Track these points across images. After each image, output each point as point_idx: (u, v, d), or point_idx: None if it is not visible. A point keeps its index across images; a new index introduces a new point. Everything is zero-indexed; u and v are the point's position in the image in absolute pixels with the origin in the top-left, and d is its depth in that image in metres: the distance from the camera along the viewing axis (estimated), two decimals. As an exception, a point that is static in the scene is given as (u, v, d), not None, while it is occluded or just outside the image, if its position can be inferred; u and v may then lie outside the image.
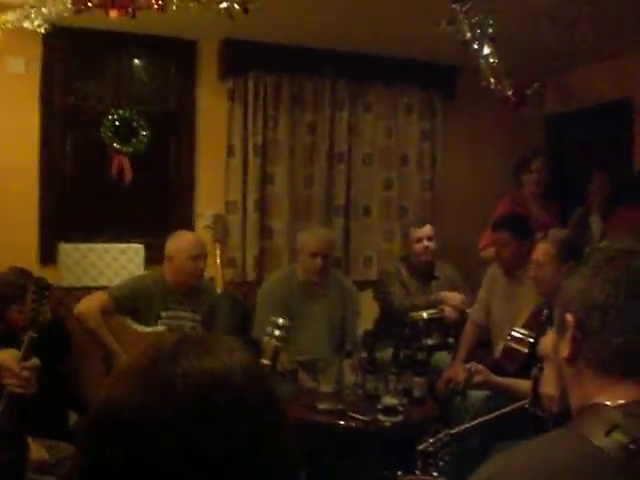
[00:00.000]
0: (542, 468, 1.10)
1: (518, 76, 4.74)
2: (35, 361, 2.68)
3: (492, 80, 4.39)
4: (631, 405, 1.12)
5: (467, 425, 3.11)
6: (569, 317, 1.21)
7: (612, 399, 1.14)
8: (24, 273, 3.49)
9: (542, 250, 3.66)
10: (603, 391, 1.17)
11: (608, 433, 1.07)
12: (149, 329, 4.00)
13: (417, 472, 2.18)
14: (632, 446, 1.04)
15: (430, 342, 4.69)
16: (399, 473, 2.13)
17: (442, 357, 4.64)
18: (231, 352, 0.89)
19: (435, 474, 2.17)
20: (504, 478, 1.11)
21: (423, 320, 4.71)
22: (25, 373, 2.63)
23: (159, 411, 0.78)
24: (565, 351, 1.22)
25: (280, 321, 2.86)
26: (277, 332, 2.84)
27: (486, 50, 4.21)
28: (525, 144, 5.70)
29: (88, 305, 3.94)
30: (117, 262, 5.03)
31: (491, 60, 4.16)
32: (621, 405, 1.12)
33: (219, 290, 5.00)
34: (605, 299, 1.17)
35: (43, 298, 2.78)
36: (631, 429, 1.07)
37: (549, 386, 3.06)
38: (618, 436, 1.06)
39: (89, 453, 0.82)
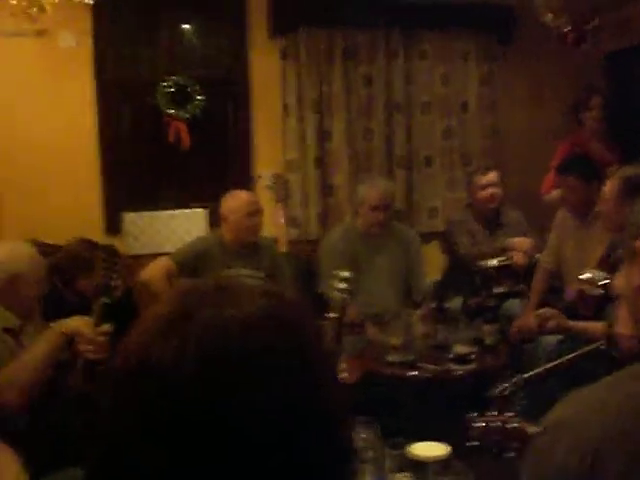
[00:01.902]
0: (617, 404, 1.06)
1: (574, 13, 4.57)
2: (108, 326, 2.71)
3: (549, 15, 4.23)
4: None
5: (541, 369, 3.06)
6: (638, 243, 1.17)
7: None
8: (90, 244, 3.53)
9: (609, 186, 3.56)
10: None
11: None
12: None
13: (489, 412, 2.13)
14: None
15: (500, 290, 4.63)
16: (472, 414, 2.09)
17: (513, 304, 4.57)
18: (255, 299, 0.79)
19: (510, 414, 2.12)
20: (579, 418, 1.08)
21: (492, 268, 4.64)
22: (99, 339, 2.66)
23: (175, 364, 0.71)
24: (636, 280, 1.18)
25: (345, 274, 2.83)
26: (342, 285, 2.81)
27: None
28: (585, 84, 5.50)
29: (153, 271, 3.99)
30: (181, 228, 5.06)
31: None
32: None
33: (283, 250, 4.99)
34: None
35: (114, 265, 2.80)
36: None
37: (624, 325, 2.98)
38: None
39: (110, 401, 0.77)
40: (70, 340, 2.62)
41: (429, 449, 1.97)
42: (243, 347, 0.73)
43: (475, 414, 2.16)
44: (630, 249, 1.20)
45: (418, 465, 1.89)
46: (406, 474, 1.89)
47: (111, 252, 2.81)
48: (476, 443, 2.11)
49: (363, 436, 2.05)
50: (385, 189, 4.49)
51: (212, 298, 0.78)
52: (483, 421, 2.16)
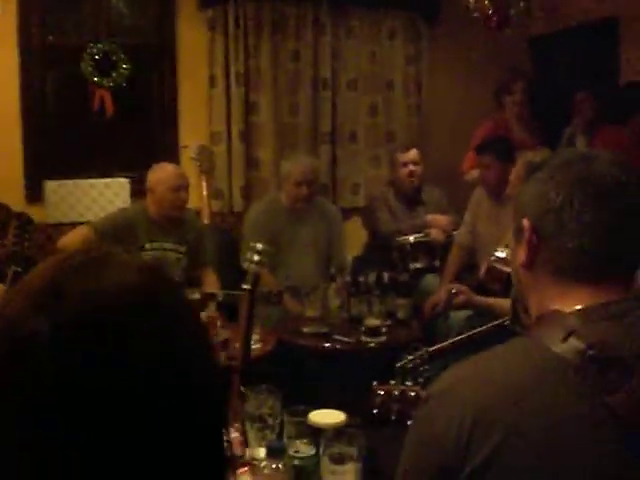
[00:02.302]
0: (500, 376, 1.12)
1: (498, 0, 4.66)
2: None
3: (471, -1, 4.31)
4: (587, 310, 1.13)
5: (446, 342, 3.17)
6: (525, 222, 1.21)
7: (569, 305, 1.15)
8: (4, 208, 3.50)
9: (515, 169, 3.69)
10: (560, 297, 1.18)
11: (565, 339, 1.08)
12: (133, 260, 4.02)
13: (392, 382, 2.23)
14: (590, 351, 1.05)
15: (417, 266, 4.74)
16: (374, 383, 2.18)
17: (431, 280, 4.68)
18: (127, 274, 0.78)
19: (409, 383, 2.22)
20: (461, 388, 1.13)
21: (409, 244, 4.74)
22: None
23: (45, 341, 0.69)
24: (522, 257, 1.23)
25: (259, 246, 2.86)
26: (256, 257, 2.84)
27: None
28: (510, 66, 5.63)
29: (71, 238, 3.97)
30: (103, 197, 5.04)
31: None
32: (577, 310, 1.13)
33: (206, 222, 5.01)
34: (560, 202, 1.17)
35: (26, 232, 2.80)
36: (587, 334, 1.07)
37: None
38: (575, 341, 1.07)
39: None
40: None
41: (326, 416, 2.06)
42: (115, 320, 0.72)
43: (376, 383, 2.25)
44: (517, 226, 1.25)
45: (315, 432, 1.97)
46: (304, 440, 1.97)
47: (25, 220, 2.80)
48: (375, 411, 2.21)
49: (266, 403, 2.12)
50: (309, 165, 4.55)
51: (84, 272, 0.76)
52: (384, 390, 2.26)
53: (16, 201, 4.47)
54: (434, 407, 1.15)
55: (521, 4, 4.88)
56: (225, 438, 2.04)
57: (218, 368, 0.89)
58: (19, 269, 2.72)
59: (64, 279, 0.75)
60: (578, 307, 1.14)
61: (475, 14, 4.51)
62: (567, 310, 1.14)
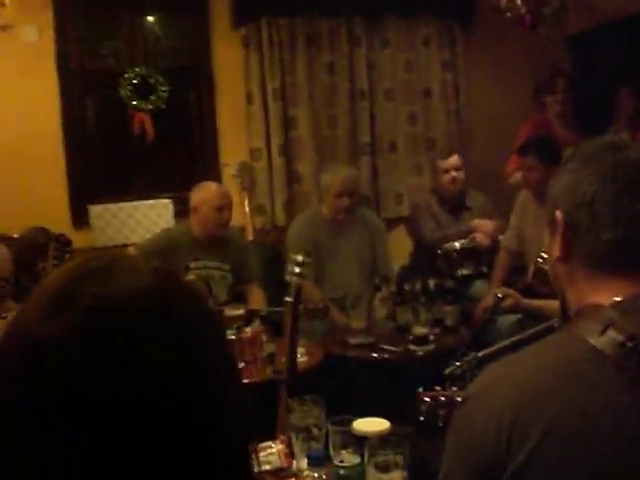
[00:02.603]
0: (537, 372, 1.10)
1: (530, -1, 4.61)
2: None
3: (503, -2, 4.26)
4: (625, 302, 1.10)
5: (495, 347, 3.11)
6: (558, 214, 1.19)
7: (606, 297, 1.12)
8: (44, 231, 3.56)
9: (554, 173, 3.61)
10: (597, 290, 1.15)
11: (603, 332, 1.06)
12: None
13: (437, 388, 2.19)
14: (628, 343, 1.03)
15: (464, 272, 4.68)
16: (420, 390, 2.14)
17: (480, 287, 4.63)
18: (142, 276, 0.77)
19: (454, 389, 2.17)
20: (498, 387, 1.11)
21: (455, 250, 4.69)
22: None
23: (51, 338, 0.70)
24: (557, 250, 1.21)
25: (299, 258, 2.85)
26: (297, 269, 2.83)
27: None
28: (548, 66, 5.55)
29: None
30: (147, 218, 5.08)
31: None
32: (615, 302, 1.11)
33: (250, 238, 5.03)
34: (592, 193, 1.14)
35: (64, 254, 2.83)
36: (626, 326, 1.05)
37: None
38: (613, 334, 1.05)
39: None
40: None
41: (370, 425, 2.02)
42: (124, 325, 0.71)
43: (421, 389, 2.22)
44: (551, 220, 1.22)
45: (359, 440, 1.94)
46: (349, 449, 1.93)
47: (64, 241, 2.83)
48: (422, 418, 2.17)
49: (311, 414, 2.10)
50: (348, 175, 4.53)
51: (95, 276, 0.75)
52: (430, 396, 2.22)
53: (62, 227, 4.52)
54: (472, 407, 1.13)
55: (555, 2, 4.82)
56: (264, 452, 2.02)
57: (237, 380, 0.85)
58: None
59: (75, 284, 0.74)
60: (616, 299, 1.11)
61: (508, 14, 4.44)
62: (605, 302, 1.12)
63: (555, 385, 1.06)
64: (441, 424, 2.17)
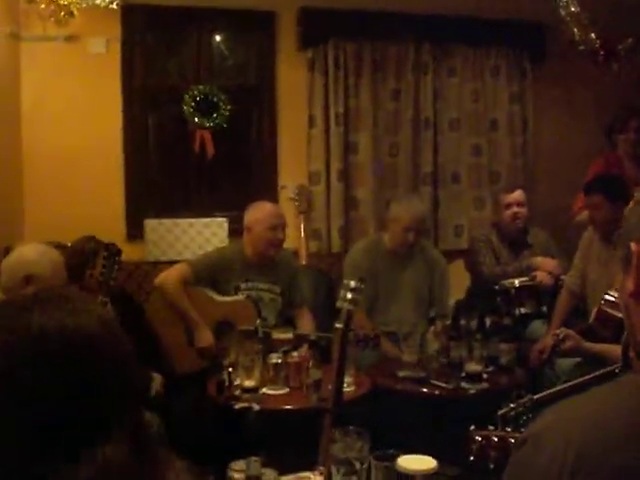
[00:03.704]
0: (606, 414, 1.01)
1: (603, 29, 4.46)
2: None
3: (576, 31, 4.12)
4: None
5: (553, 390, 2.96)
6: (633, 246, 1.10)
7: None
8: (94, 239, 3.54)
9: (629, 207, 3.47)
10: None
11: None
12: (229, 298, 4.00)
13: (490, 427, 2.05)
14: None
15: (522, 310, 4.55)
16: (471, 428, 2.01)
17: (538, 327, 4.48)
18: (90, 310, 0.99)
19: (509, 429, 2.04)
20: (564, 426, 1.03)
21: (515, 288, 4.56)
22: None
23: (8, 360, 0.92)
24: (630, 286, 1.11)
25: (352, 284, 2.74)
26: (349, 295, 2.72)
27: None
28: (619, 104, 5.38)
29: (168, 275, 3.98)
30: (201, 236, 5.04)
31: (572, 9, 3.89)
32: None
33: (303, 262, 4.95)
34: None
35: (114, 264, 2.78)
36: None
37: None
38: None
39: None
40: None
41: (416, 462, 1.89)
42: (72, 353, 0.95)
43: (473, 428, 2.09)
44: (625, 253, 1.13)
45: (404, 478, 1.81)
46: (392, 487, 1.81)
47: (112, 249, 2.79)
48: (472, 458, 2.04)
49: (354, 446, 1.98)
50: (420, 211, 4.45)
51: (49, 304, 0.98)
52: (482, 435, 2.08)
53: (117, 239, 4.49)
54: (535, 447, 1.03)
55: (629, 40, 4.68)
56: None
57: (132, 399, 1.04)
58: (107, 299, 2.69)
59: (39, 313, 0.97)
60: None
61: (581, 47, 4.30)
62: None
63: (626, 429, 0.97)
64: (492, 466, 2.03)
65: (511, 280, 4.58)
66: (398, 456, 1.92)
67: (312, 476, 2.00)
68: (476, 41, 5.58)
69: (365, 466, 1.95)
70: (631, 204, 3.87)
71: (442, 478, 1.77)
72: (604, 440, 0.97)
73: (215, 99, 5.12)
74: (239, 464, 2.01)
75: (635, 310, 1.13)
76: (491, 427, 2.06)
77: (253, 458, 1.84)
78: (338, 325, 2.68)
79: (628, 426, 0.97)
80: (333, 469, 1.98)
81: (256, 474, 1.83)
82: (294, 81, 5.32)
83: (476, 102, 5.65)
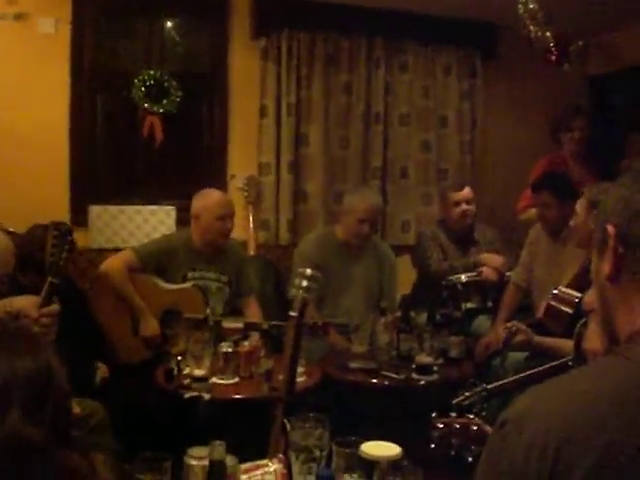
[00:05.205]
0: (586, 395, 0.99)
1: (558, 30, 4.53)
2: (54, 307, 2.60)
3: (532, 29, 4.17)
4: None
5: (506, 381, 2.99)
6: (610, 228, 1.09)
7: None
8: (44, 227, 3.43)
9: (579, 203, 3.54)
10: None
11: None
12: (176, 286, 3.93)
13: (452, 414, 2.05)
14: None
15: (468, 305, 4.59)
16: (433, 414, 2.00)
17: (483, 322, 4.52)
18: (37, 354, 1.15)
19: (471, 416, 2.03)
20: (543, 412, 1.00)
21: (461, 283, 4.59)
22: (44, 320, 2.55)
23: None
24: (606, 269, 1.10)
25: (308, 272, 2.71)
26: (305, 283, 2.69)
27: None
28: (567, 104, 5.47)
29: (113, 262, 3.91)
30: (148, 224, 4.95)
31: (530, 5, 3.93)
32: None
33: (251, 253, 4.90)
34: None
35: (64, 243, 2.68)
36: None
37: (594, 341, 2.91)
38: None
39: None
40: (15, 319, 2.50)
41: (380, 449, 1.87)
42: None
43: (436, 414, 2.08)
44: (601, 236, 1.13)
45: (368, 465, 1.79)
46: (354, 474, 1.79)
47: (63, 228, 2.68)
48: (433, 445, 2.02)
49: (313, 434, 1.96)
50: (376, 203, 4.43)
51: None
52: (444, 422, 2.07)
53: (60, 224, 4.39)
54: (512, 432, 1.01)
55: (580, 43, 4.76)
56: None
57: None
58: (55, 280, 2.60)
59: None
60: None
61: (535, 44, 4.35)
62: None
63: (605, 414, 0.95)
64: (453, 452, 2.02)
65: (458, 275, 4.61)
66: (361, 443, 1.90)
67: (271, 464, 1.96)
68: (428, 38, 5.60)
69: (325, 453, 1.93)
70: (582, 200, 3.89)
71: (408, 464, 1.75)
72: (586, 422, 0.95)
73: (166, 85, 5.03)
74: (197, 450, 1.96)
75: (612, 293, 1.13)
76: (453, 414, 2.06)
77: (217, 442, 1.79)
78: (293, 313, 2.65)
79: (610, 407, 0.96)
80: (292, 456, 1.95)
81: (220, 458, 1.78)
82: (246, 70, 5.26)
83: (426, 98, 5.66)
